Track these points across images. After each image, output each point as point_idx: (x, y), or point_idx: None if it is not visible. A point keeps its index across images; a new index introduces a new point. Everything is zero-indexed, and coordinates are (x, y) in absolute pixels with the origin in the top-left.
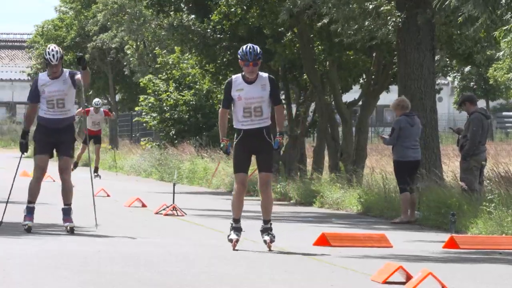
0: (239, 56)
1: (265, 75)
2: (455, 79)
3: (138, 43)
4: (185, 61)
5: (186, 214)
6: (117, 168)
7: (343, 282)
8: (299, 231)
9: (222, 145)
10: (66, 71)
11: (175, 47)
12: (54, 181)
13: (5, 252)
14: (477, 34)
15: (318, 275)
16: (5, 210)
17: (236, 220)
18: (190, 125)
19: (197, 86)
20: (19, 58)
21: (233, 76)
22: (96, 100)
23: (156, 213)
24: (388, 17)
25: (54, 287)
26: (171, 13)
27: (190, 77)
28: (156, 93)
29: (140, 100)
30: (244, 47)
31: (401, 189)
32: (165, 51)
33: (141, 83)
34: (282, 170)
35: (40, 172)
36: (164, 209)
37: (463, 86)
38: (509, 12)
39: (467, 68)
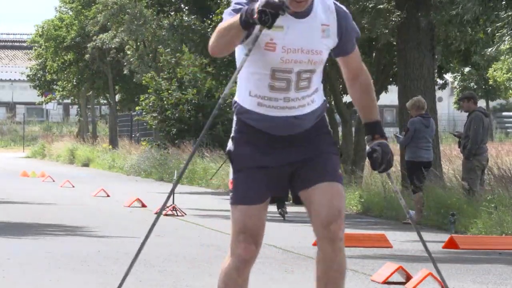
0: None
1: None
2: (455, 79)
3: (138, 43)
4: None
5: (186, 214)
6: (117, 168)
7: None
8: (299, 231)
9: None
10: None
11: (171, 49)
12: (54, 181)
13: (5, 252)
14: (467, 14)
15: None
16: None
17: None
18: (190, 124)
19: (198, 84)
20: (19, 58)
21: None
22: None
23: (156, 213)
24: (388, 14)
25: (54, 287)
26: (171, 13)
27: (190, 75)
28: (157, 91)
29: (140, 100)
30: None
31: (414, 189)
32: (168, 49)
33: (143, 81)
34: None
35: (246, 250)
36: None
37: (463, 86)
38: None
39: (467, 69)
